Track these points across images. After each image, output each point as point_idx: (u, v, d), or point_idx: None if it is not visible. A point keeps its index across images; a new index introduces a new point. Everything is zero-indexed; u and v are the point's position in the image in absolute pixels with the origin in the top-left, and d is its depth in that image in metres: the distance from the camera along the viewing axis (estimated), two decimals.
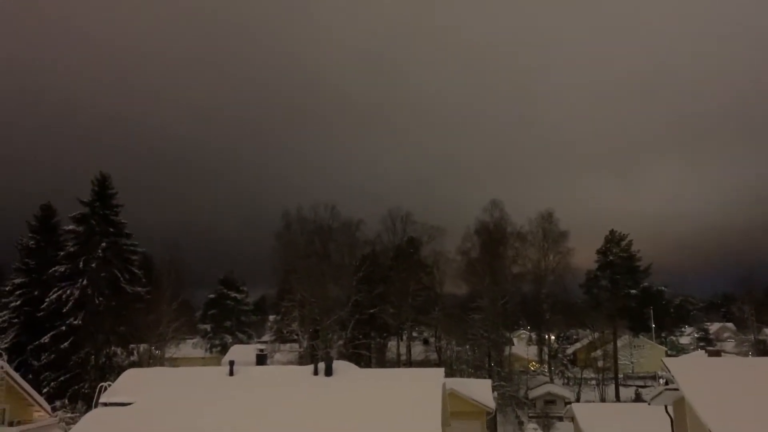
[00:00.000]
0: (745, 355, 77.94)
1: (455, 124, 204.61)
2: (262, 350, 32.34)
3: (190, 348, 71.17)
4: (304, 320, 59.00)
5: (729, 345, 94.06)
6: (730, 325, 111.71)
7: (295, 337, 60.57)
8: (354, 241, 67.07)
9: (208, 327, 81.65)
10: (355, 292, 61.25)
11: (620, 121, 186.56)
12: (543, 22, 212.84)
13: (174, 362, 53.03)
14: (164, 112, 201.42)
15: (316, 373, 22.79)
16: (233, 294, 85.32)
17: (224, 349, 73.22)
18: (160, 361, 51.35)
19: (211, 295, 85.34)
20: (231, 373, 23.33)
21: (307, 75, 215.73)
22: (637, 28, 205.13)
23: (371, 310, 63.18)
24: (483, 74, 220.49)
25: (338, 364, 23.84)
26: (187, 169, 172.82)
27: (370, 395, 20.39)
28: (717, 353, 52.25)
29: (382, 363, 62.85)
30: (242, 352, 51.92)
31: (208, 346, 78.36)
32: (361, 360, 56.35)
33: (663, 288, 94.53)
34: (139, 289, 53.52)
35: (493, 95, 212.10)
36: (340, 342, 58.42)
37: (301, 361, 52.72)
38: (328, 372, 22.61)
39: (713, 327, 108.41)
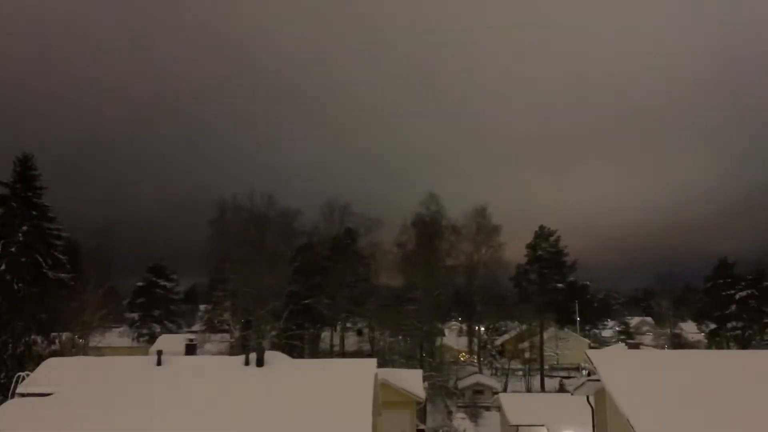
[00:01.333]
0: (662, 347, 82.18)
1: (394, 117, 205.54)
2: (191, 340, 31.66)
3: (116, 337, 68.89)
4: (237, 310, 58.13)
5: (648, 338, 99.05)
6: (649, 319, 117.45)
7: (227, 327, 59.62)
8: (291, 231, 66.46)
9: (135, 316, 79.22)
10: (291, 282, 60.78)
11: (552, 118, 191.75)
12: (476, 17, 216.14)
13: (98, 351, 51.33)
14: (92, 92, 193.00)
15: (247, 363, 22.51)
16: (163, 282, 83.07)
17: (152, 338, 71.24)
18: (83, 350, 49.53)
19: (140, 283, 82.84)
20: (159, 363, 22.74)
21: (249, 58, 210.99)
22: (571, 23, 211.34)
23: (306, 301, 62.88)
24: (422, 67, 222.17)
25: (270, 355, 23.63)
26: (117, 153, 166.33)
27: (302, 385, 20.34)
28: (636, 346, 55.01)
29: (316, 354, 62.75)
30: (171, 342, 50.62)
31: (136, 335, 76.06)
32: (294, 351, 55.99)
33: (588, 282, 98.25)
34: (63, 275, 51.35)
35: (430, 90, 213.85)
36: (273, 332, 57.90)
37: (233, 351, 51.94)
38: (260, 362, 22.38)
39: (634, 321, 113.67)
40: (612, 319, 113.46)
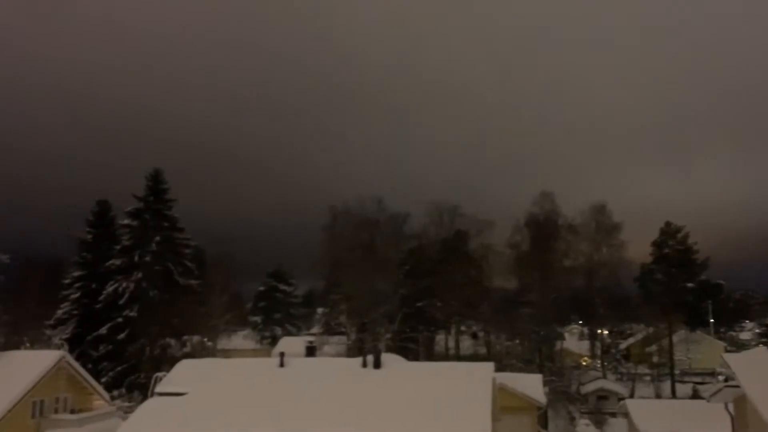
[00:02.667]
0: None
1: (505, 115, 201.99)
2: (311, 342, 32.67)
3: (240, 340, 72.51)
4: (352, 313, 59.29)
5: None
6: None
7: (343, 329, 60.97)
8: (400, 234, 66.95)
9: (258, 319, 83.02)
10: (402, 285, 61.17)
11: (673, 110, 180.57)
12: (584, 14, 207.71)
13: (225, 353, 54.09)
14: (208, 104, 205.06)
15: (364, 365, 22.83)
16: (282, 287, 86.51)
17: (274, 341, 74.33)
18: (212, 353, 52.48)
19: (261, 288, 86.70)
20: (281, 365, 23.59)
21: (356, 60, 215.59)
22: (695, 12, 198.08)
23: (418, 304, 63.01)
24: (530, 63, 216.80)
25: (386, 357, 23.84)
26: (234, 162, 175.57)
27: (419, 388, 20.30)
28: None
29: (431, 356, 62.67)
30: (292, 344, 52.59)
31: (259, 338, 79.71)
32: (409, 353, 56.22)
33: (722, 282, 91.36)
34: (192, 281, 54.82)
35: (541, 86, 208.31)
36: (388, 335, 58.52)
37: (350, 353, 53.05)
38: (377, 364, 22.60)
39: None
40: (751, 321, 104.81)
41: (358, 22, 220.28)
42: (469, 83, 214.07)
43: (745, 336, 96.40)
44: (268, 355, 59.45)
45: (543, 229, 69.94)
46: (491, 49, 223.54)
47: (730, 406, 21.33)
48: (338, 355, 53.19)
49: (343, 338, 61.17)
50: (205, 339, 55.29)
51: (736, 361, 19.72)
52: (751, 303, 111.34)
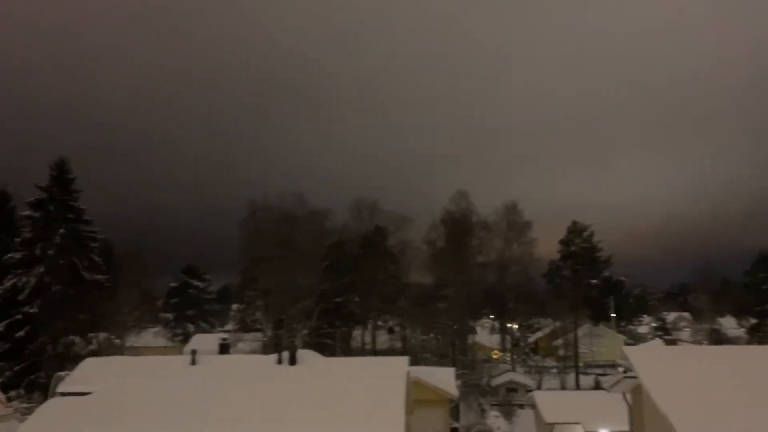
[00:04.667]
0: (700, 343, 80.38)
1: (421, 114, 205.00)
2: (225, 339, 31.98)
3: (151, 337, 70.10)
4: (269, 309, 58.62)
5: (685, 334, 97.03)
6: (686, 314, 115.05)
7: (259, 326, 60.16)
8: (321, 230, 66.76)
9: (170, 316, 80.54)
10: (321, 281, 61.06)
11: (583, 109, 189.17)
12: (516, 18, 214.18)
13: (134, 351, 52.24)
14: (122, 92, 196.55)
15: (280, 362, 22.64)
16: (196, 282, 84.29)
17: (186, 338, 72.33)
18: (120, 350, 50.55)
19: (174, 284, 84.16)
20: (193, 362, 23.02)
21: (279, 55, 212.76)
22: (607, 8, 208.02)
23: (337, 299, 63.09)
24: (451, 63, 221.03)
25: (302, 353, 23.73)
26: (150, 156, 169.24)
27: (334, 384, 20.36)
28: (673, 342, 53.85)
29: (347, 352, 62.91)
30: (205, 342, 51.23)
31: (170, 335, 77.36)
32: (326, 349, 56.22)
33: (623, 278, 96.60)
34: (99, 276, 52.45)
35: (460, 85, 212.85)
36: (305, 331, 58.26)
37: (265, 350, 52.41)
38: (292, 361, 22.47)
39: (670, 316, 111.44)
40: (648, 315, 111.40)
41: (284, 14, 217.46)
42: (390, 82, 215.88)
43: (643, 330, 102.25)
44: (180, 353, 57.67)
45: (458, 227, 71.76)
46: (412, 48, 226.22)
47: (628, 396, 22.62)
48: (253, 352, 52.41)
49: (259, 335, 60.36)
50: (113, 336, 53.07)
51: (634, 353, 20.88)
52: (649, 299, 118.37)
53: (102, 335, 51.41)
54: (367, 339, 68.37)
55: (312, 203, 66.51)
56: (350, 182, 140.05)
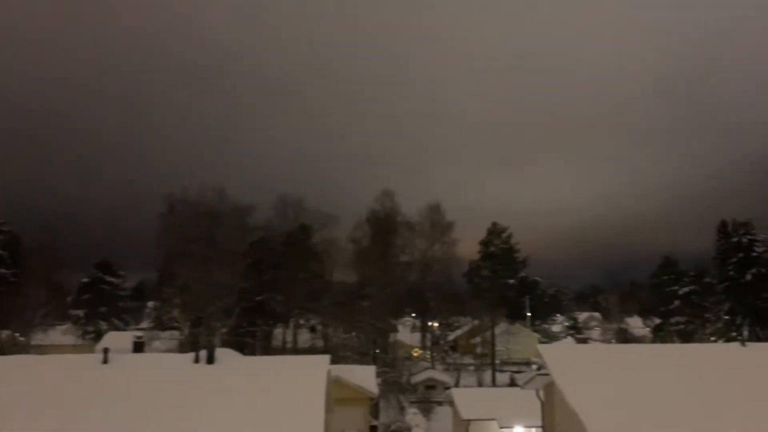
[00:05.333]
0: (609, 342, 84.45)
1: (349, 113, 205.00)
2: (139, 337, 30.82)
3: (59, 335, 66.69)
4: (186, 307, 57.05)
5: (595, 333, 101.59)
6: (597, 314, 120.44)
7: (176, 324, 58.45)
8: (243, 226, 65.49)
9: (80, 313, 76.88)
10: (243, 278, 59.93)
11: (507, 115, 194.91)
12: (436, 14, 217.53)
13: (41, 350, 49.61)
14: (36, 80, 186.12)
15: (197, 361, 22.06)
16: (109, 278, 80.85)
17: (98, 336, 69.31)
18: (25, 349, 47.82)
19: (85, 279, 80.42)
20: (105, 361, 22.06)
21: (202, 47, 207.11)
22: (531, 21, 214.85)
23: (259, 297, 62.12)
24: (378, 64, 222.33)
25: (221, 352, 23.23)
26: (62, 147, 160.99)
27: (253, 383, 20.05)
28: (584, 340, 56.26)
29: (268, 351, 62.08)
30: (118, 340, 49.33)
31: (80, 333, 73.88)
32: (246, 348, 55.34)
33: (538, 279, 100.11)
34: (4, 270, 49.48)
35: (385, 87, 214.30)
36: (224, 330, 57.06)
37: (182, 349, 50.98)
38: (210, 360, 21.96)
39: (582, 316, 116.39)
40: (562, 315, 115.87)
41: (208, 5, 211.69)
42: (316, 79, 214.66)
43: (556, 328, 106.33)
44: (91, 351, 55.31)
45: (383, 226, 72.29)
46: (336, 47, 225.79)
47: (541, 393, 23.51)
48: (170, 351, 50.83)
49: (176, 333, 58.59)
50: (17, 334, 50.15)
51: (547, 351, 21.73)
52: (563, 299, 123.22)
53: (5, 333, 48.52)
54: (289, 338, 67.72)
55: (234, 199, 65.24)
56: (275, 179, 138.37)
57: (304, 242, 70.75)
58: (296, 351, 62.56)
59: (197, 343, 48.84)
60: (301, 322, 71.26)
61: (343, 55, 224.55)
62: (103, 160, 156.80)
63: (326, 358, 24.02)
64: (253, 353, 54.06)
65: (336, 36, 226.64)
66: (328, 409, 22.08)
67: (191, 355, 22.77)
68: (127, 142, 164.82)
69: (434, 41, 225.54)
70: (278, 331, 69.03)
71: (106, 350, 22.63)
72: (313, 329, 72.93)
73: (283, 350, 63.72)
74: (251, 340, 60.90)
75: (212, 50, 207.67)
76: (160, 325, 60.94)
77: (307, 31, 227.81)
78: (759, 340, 55.04)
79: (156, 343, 54.08)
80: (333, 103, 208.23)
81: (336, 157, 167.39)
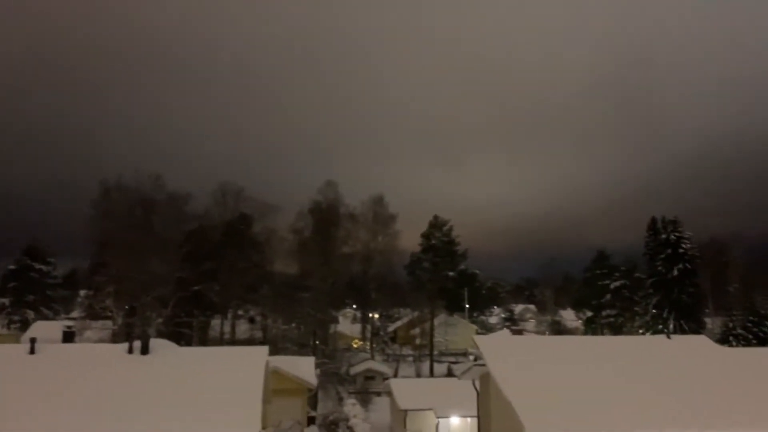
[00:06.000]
0: (543, 333, 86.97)
1: (293, 103, 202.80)
2: (69, 327, 29.81)
3: None
4: (120, 296, 55.37)
5: (530, 325, 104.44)
6: (532, 306, 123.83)
7: (109, 314, 56.68)
8: (180, 215, 63.86)
9: (6, 301, 73.61)
10: (180, 268, 58.55)
11: (450, 113, 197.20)
12: (378, 8, 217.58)
13: None
14: None
15: (130, 351, 21.49)
16: (38, 265, 77.62)
17: (25, 325, 66.50)
18: None
19: (12, 266, 76.94)
20: (32, 351, 21.22)
21: (140, 28, 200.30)
22: (471, 20, 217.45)
23: (195, 287, 60.85)
24: (324, 55, 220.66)
25: (156, 342, 22.68)
26: None
27: (190, 374, 19.68)
28: (519, 332, 57.83)
29: (205, 342, 60.97)
30: (47, 329, 47.45)
31: (6, 322, 70.72)
32: (182, 339, 54.15)
33: (477, 271, 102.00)
34: None
35: (331, 78, 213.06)
36: (160, 320, 55.68)
37: (115, 339, 49.46)
38: (144, 350, 21.42)
39: (518, 308, 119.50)
40: (498, 307, 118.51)
41: None
42: (260, 68, 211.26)
43: (493, 320, 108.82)
44: (17, 341, 53.01)
45: (325, 217, 71.98)
46: (284, 37, 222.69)
47: (477, 383, 24.02)
48: (102, 341, 49.26)
49: (109, 323, 56.81)
50: None
51: (483, 342, 22.21)
52: (500, 291, 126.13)
53: None
54: (227, 329, 66.65)
55: (171, 186, 63.52)
56: (214, 167, 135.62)
57: (244, 232, 69.59)
58: (234, 342, 61.64)
59: (131, 333, 47.48)
60: (240, 313, 70.24)
61: (286, 45, 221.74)
62: (33, 142, 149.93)
63: (264, 349, 23.83)
64: (189, 344, 53.00)
65: (281, 26, 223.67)
66: (266, 400, 21.93)
67: (124, 346, 22.17)
68: (61, 124, 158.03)
69: (381, 38, 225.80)
70: (216, 322, 67.84)
71: (33, 340, 21.77)
72: (251, 320, 72.04)
73: (220, 341, 62.69)
74: (188, 331, 59.65)
75: (152, 34, 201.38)
76: (92, 314, 58.93)
77: (253, 19, 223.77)
78: (683, 332, 57.80)
79: (87, 333, 52.35)
80: (276, 93, 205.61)
81: (278, 147, 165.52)
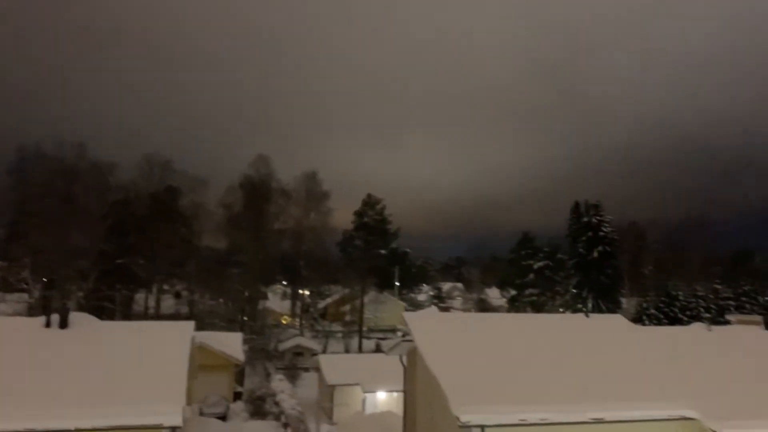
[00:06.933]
0: (469, 311, 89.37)
1: (225, 73, 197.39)
2: None
3: None
4: (37, 268, 53.01)
5: (457, 302, 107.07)
6: (459, 285, 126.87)
7: (25, 286, 54.21)
8: (104, 185, 61.56)
9: None
10: (103, 240, 56.52)
11: (384, 92, 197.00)
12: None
13: None
14: None
15: (48, 325, 20.62)
16: None
17: None
18: None
19: None
20: None
21: None
22: (408, 6, 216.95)
23: (119, 261, 58.94)
24: (259, 24, 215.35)
25: (75, 316, 21.85)
26: None
27: (112, 349, 19.10)
28: (447, 309, 58.99)
29: (128, 317, 59.35)
30: None
31: None
32: (104, 313, 52.48)
33: (408, 250, 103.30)
34: None
35: (267, 49, 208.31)
36: (81, 293, 53.73)
37: (32, 313, 47.43)
38: (63, 324, 20.61)
39: (446, 286, 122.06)
40: (427, 285, 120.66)
41: None
42: (189, 36, 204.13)
43: (422, 297, 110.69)
44: None
45: (257, 192, 70.94)
46: (213, 6, 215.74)
47: (404, 358, 24.47)
48: (17, 314, 47.14)
49: (25, 296, 54.38)
50: None
51: (411, 318, 22.55)
52: (429, 270, 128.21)
53: None
54: (152, 303, 65.05)
55: (95, 155, 61.08)
56: (141, 137, 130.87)
57: (171, 205, 67.78)
58: (159, 317, 60.30)
59: (49, 306, 45.63)
60: (166, 287, 68.66)
61: (218, 16, 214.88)
62: None
63: (190, 324, 23.40)
64: (112, 319, 51.46)
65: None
66: (192, 376, 21.62)
67: (42, 319, 21.27)
68: None
69: (318, 11, 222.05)
70: (140, 297, 66.10)
71: None
72: (177, 295, 70.58)
73: (144, 316, 61.21)
74: (110, 305, 57.85)
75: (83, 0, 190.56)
76: (7, 286, 56.23)
77: None
78: (601, 311, 60.66)
79: (1, 306, 50.05)
80: (205, 62, 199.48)
81: (208, 118, 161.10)
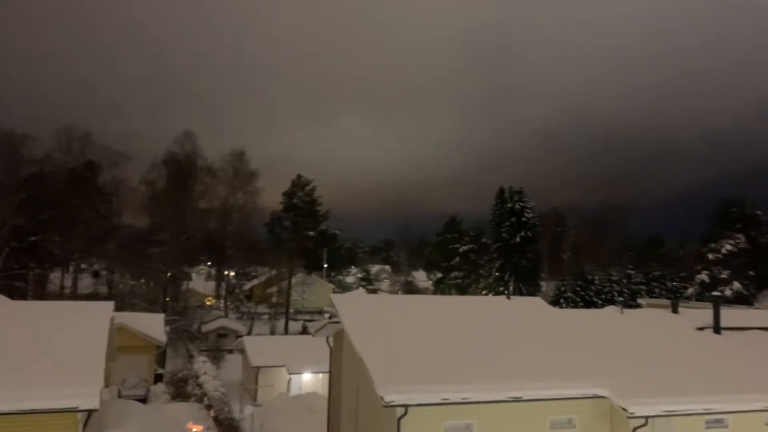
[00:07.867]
0: (397, 293, 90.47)
1: (152, 42, 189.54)
2: None
3: None
4: None
5: (385, 284, 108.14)
6: (387, 267, 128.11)
7: None
8: (17, 157, 58.09)
9: None
10: (15, 215, 53.49)
11: (319, 73, 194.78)
12: None
13: None
14: None
15: None
16: None
17: None
18: None
19: None
20: None
21: None
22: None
23: (33, 238, 56.02)
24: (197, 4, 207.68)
25: None
26: None
27: (24, 330, 18.22)
28: (374, 291, 59.74)
29: (42, 296, 56.62)
30: None
31: None
32: (16, 293, 49.84)
33: (337, 231, 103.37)
34: None
35: (198, 21, 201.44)
36: None
37: None
38: None
39: (374, 268, 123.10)
40: (356, 267, 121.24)
41: None
42: (120, 5, 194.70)
43: (350, 280, 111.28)
44: None
45: (181, 169, 68.95)
46: None
47: (331, 340, 24.58)
48: None
49: None
50: None
51: (339, 300, 22.64)
52: (358, 252, 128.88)
53: None
54: (68, 282, 62.30)
55: (6, 125, 57.49)
56: (58, 109, 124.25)
57: (90, 180, 64.84)
58: (76, 297, 57.85)
59: None
60: (83, 266, 65.87)
61: None
62: None
63: (110, 304, 22.67)
64: (24, 299, 48.97)
65: None
66: (110, 358, 20.97)
67: None
68: None
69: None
70: (55, 276, 63.15)
71: None
72: (96, 274, 67.99)
73: (60, 296, 58.56)
74: (22, 284, 54.95)
75: None
76: None
77: None
78: (521, 294, 62.79)
79: None
80: (133, 28, 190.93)
81: (130, 91, 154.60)
